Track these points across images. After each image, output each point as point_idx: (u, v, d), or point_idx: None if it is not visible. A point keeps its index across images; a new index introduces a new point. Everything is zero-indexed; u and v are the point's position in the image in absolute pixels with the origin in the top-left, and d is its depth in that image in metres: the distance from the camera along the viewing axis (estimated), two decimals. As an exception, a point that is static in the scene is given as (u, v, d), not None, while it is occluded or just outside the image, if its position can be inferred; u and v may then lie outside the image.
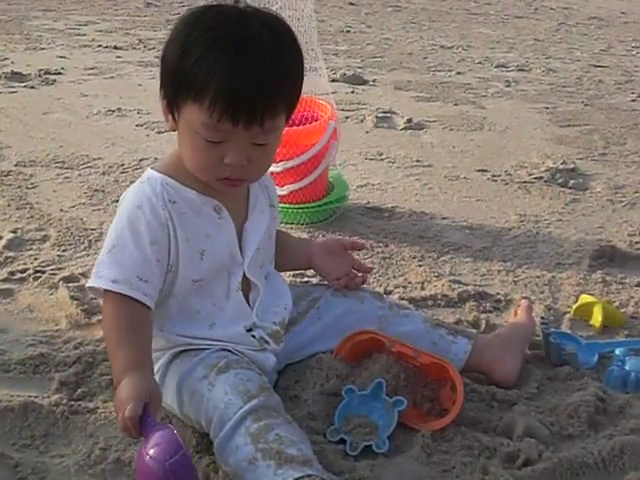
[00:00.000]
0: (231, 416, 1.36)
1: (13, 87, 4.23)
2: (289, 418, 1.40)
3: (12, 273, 2.16)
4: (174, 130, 1.51)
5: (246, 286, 1.60)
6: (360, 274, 1.79)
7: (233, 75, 1.35)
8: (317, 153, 2.48)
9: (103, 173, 2.99)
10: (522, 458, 1.44)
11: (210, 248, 1.52)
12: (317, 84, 2.69)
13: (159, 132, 3.50)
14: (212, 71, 1.35)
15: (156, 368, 1.55)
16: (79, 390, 1.65)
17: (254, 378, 1.45)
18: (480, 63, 5.88)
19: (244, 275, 1.58)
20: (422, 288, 2.18)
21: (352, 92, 4.57)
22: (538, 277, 2.28)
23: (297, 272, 2.18)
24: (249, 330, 1.57)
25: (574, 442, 1.51)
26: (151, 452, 1.25)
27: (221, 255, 1.54)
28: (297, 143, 2.47)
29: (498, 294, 2.15)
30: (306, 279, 2.14)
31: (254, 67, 1.37)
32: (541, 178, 3.16)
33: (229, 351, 1.53)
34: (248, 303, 1.59)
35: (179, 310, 1.55)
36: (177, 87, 1.41)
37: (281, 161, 2.46)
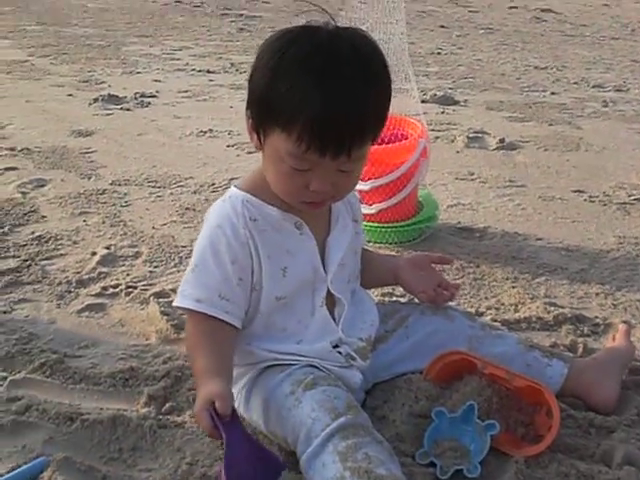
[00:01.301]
0: (318, 433, 1.34)
1: (109, 109, 4.35)
2: (378, 437, 1.36)
3: (105, 288, 2.20)
4: (259, 149, 1.50)
5: (331, 302, 1.58)
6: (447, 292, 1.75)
7: (323, 108, 1.33)
8: (406, 171, 2.45)
9: (194, 192, 3.03)
10: (622, 487, 1.37)
11: (292, 264, 1.51)
12: (408, 105, 2.67)
13: (249, 152, 3.53)
14: (302, 103, 1.33)
15: (242, 383, 1.54)
16: (167, 404, 1.66)
17: (342, 395, 1.42)
18: (576, 83, 5.74)
19: (328, 291, 1.56)
20: (516, 310, 2.11)
21: (442, 112, 4.53)
22: (639, 300, 2.18)
23: (385, 291, 2.16)
24: (335, 346, 1.55)
25: (678, 473, 1.43)
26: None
27: (303, 271, 1.53)
28: (386, 161, 2.44)
29: (596, 317, 2.07)
30: (394, 298, 2.10)
31: (344, 100, 1.34)
32: (641, 199, 3.04)
33: (316, 367, 1.50)
34: (333, 319, 1.57)
35: (265, 328, 1.54)
36: (265, 114, 1.40)
37: (370, 179, 2.44)
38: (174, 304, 1.53)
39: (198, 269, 1.48)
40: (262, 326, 1.54)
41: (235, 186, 1.56)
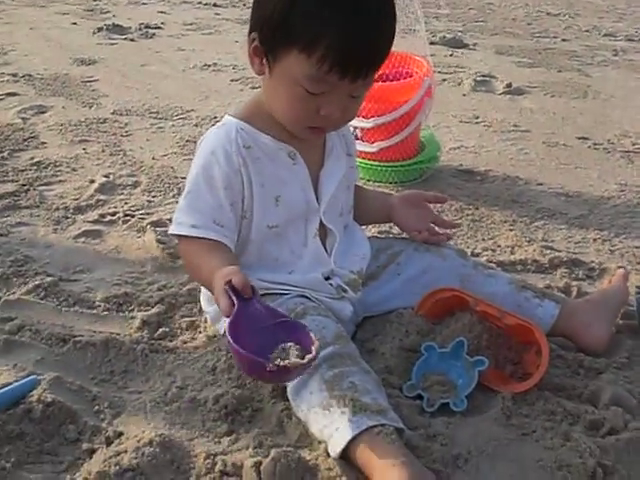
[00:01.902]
0: (306, 362, 1.34)
1: (113, 39, 4.30)
2: (365, 367, 1.37)
3: (102, 215, 2.20)
4: (261, 74, 1.48)
5: (323, 233, 1.58)
6: (442, 231, 1.74)
7: (349, 30, 1.33)
8: (410, 110, 2.42)
9: (196, 125, 3.01)
10: (607, 426, 1.38)
11: (285, 194, 1.51)
12: (415, 45, 2.62)
13: (253, 87, 3.49)
14: (327, 24, 1.33)
15: (234, 311, 1.54)
16: (160, 330, 1.67)
17: (330, 325, 1.42)
18: (587, 31, 5.65)
19: (321, 222, 1.56)
20: (512, 252, 2.11)
21: (451, 55, 4.47)
22: (637, 247, 2.17)
23: (382, 229, 2.15)
24: (327, 278, 1.55)
25: (664, 414, 1.44)
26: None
27: (296, 201, 1.53)
28: (389, 99, 2.41)
29: (592, 262, 2.07)
30: (391, 236, 2.09)
31: (369, 24, 1.34)
32: (646, 148, 3.02)
33: (307, 298, 1.51)
34: (325, 250, 1.57)
35: (258, 258, 1.54)
36: (281, 36, 1.38)
37: (372, 117, 2.42)
38: (169, 232, 1.54)
39: (191, 196, 1.48)
40: (255, 256, 1.54)
41: (229, 114, 1.55)
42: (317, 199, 1.56)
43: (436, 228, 1.75)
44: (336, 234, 1.59)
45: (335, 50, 1.33)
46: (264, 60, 1.44)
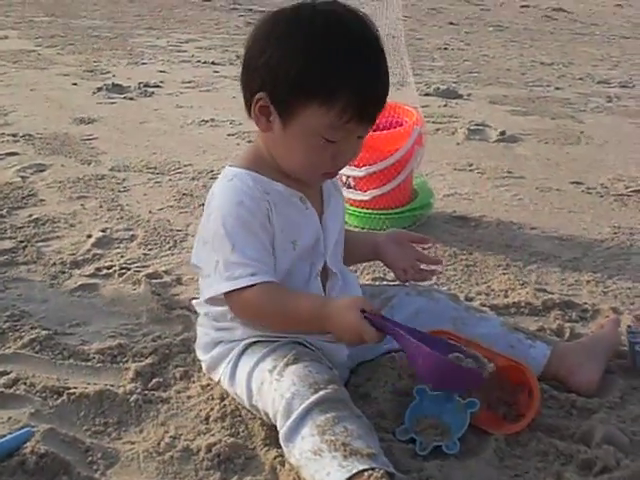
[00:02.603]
0: (298, 407, 1.35)
1: (113, 98, 4.37)
2: (357, 412, 1.38)
3: (99, 269, 2.22)
4: (267, 132, 1.51)
5: (324, 275, 1.60)
6: (427, 267, 1.76)
7: (365, 81, 1.43)
8: (401, 158, 2.46)
9: (192, 178, 3.04)
10: (599, 465, 1.38)
11: (300, 238, 1.54)
12: (406, 97, 2.67)
13: (249, 141, 3.53)
14: (347, 77, 1.41)
15: (228, 358, 1.56)
16: (154, 380, 1.68)
17: (323, 371, 1.43)
18: (581, 79, 5.74)
19: (324, 265, 1.59)
20: (505, 295, 2.12)
21: (445, 105, 4.53)
22: (629, 288, 2.19)
23: (377, 276, 2.17)
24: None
25: (657, 453, 1.44)
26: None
27: (309, 245, 1.56)
28: (381, 148, 2.45)
29: (585, 304, 2.08)
30: (385, 283, 2.11)
31: (378, 73, 1.46)
32: (639, 191, 3.04)
33: (301, 344, 1.52)
34: (325, 291, 1.59)
35: None
36: (299, 93, 1.43)
37: (364, 166, 2.45)
38: (224, 290, 1.49)
39: (237, 248, 1.46)
40: None
41: (230, 166, 1.57)
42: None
43: (421, 266, 1.76)
44: (339, 276, 1.62)
45: (355, 101, 1.42)
46: (271, 117, 1.48)
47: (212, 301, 1.57)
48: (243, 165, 1.55)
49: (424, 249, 2.02)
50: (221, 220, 1.49)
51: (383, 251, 1.76)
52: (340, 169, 1.57)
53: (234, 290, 1.46)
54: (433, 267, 1.81)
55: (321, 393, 1.36)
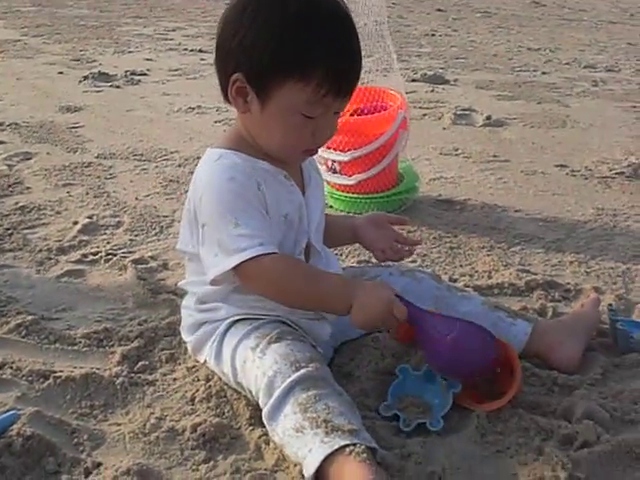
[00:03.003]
0: (280, 385, 1.37)
1: (99, 87, 4.37)
2: (339, 389, 1.39)
3: (85, 255, 2.23)
4: (245, 112, 1.51)
5: (307, 253, 1.61)
6: (407, 247, 1.78)
7: (340, 54, 1.45)
8: (385, 142, 2.46)
9: (179, 165, 3.05)
10: (579, 440, 1.39)
11: (290, 212, 1.55)
12: (392, 82, 2.68)
13: (236, 127, 3.54)
14: (321, 52, 1.43)
15: (213, 337, 1.57)
16: (140, 363, 1.69)
17: (305, 349, 1.44)
18: (567, 64, 5.75)
19: (307, 242, 1.60)
20: (489, 277, 2.14)
21: (432, 91, 4.54)
22: (612, 268, 2.20)
23: (362, 259, 2.19)
24: None
25: (636, 427, 1.46)
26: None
27: (296, 219, 1.57)
28: (365, 132, 2.46)
29: (568, 284, 2.09)
30: (371, 265, 2.12)
31: (355, 46, 1.48)
32: (623, 173, 3.06)
33: (284, 323, 1.53)
34: None
35: None
36: (275, 72, 1.44)
37: (349, 150, 2.46)
38: (234, 264, 1.45)
39: (241, 221, 1.45)
40: None
41: (214, 147, 1.57)
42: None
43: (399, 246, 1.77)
44: (322, 254, 1.63)
45: (331, 75, 1.43)
46: (249, 98, 1.48)
47: (197, 282, 1.58)
48: (226, 146, 1.55)
49: (403, 230, 2.04)
50: (216, 198, 1.48)
51: (362, 233, 1.77)
52: (320, 146, 1.58)
53: (244, 262, 1.44)
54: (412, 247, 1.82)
55: (303, 371, 1.37)
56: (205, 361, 1.61)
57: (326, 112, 1.48)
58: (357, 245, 2.27)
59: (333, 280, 1.49)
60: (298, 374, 1.36)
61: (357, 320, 1.43)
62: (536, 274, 2.14)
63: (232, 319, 1.55)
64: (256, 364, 1.43)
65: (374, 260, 2.10)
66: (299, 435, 1.30)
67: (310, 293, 1.48)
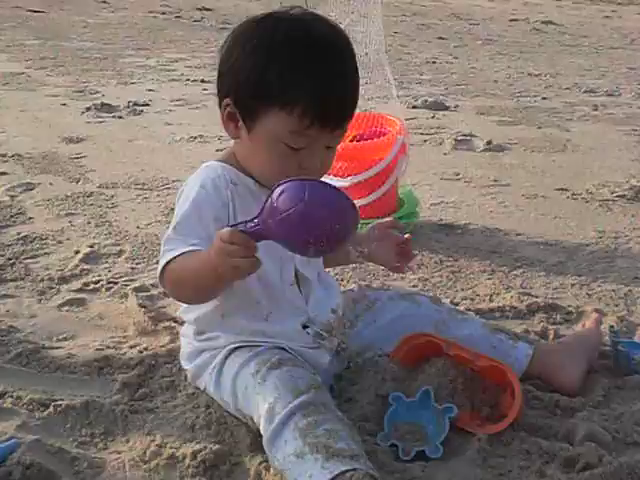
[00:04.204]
0: (280, 411, 1.36)
1: (102, 117, 4.39)
2: (340, 415, 1.39)
3: (86, 284, 2.23)
4: (236, 138, 1.53)
5: (299, 281, 1.59)
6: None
7: (326, 82, 1.41)
8: (385, 168, 2.48)
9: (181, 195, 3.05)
10: (582, 462, 1.39)
11: None
12: (391, 109, 2.70)
13: (238, 156, 3.55)
14: (306, 79, 1.40)
15: (212, 365, 1.57)
16: (140, 391, 1.68)
17: (305, 376, 1.44)
18: (568, 89, 5.77)
19: (296, 270, 1.58)
20: (490, 300, 2.14)
21: (432, 117, 4.56)
22: (614, 290, 2.20)
23: (361, 283, 2.18)
24: (305, 327, 1.57)
25: (638, 449, 1.46)
26: (282, 207, 1.23)
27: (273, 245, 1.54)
28: (365, 158, 2.47)
29: (570, 306, 2.09)
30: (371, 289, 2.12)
31: (344, 76, 1.45)
32: (624, 196, 3.08)
33: (284, 349, 1.53)
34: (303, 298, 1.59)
35: (241, 300, 1.54)
36: (260, 97, 1.43)
37: (349, 176, 2.47)
38: (159, 268, 1.47)
39: (180, 226, 1.47)
40: (238, 297, 1.54)
41: (207, 162, 1.58)
42: None
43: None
44: (311, 280, 1.61)
45: (315, 104, 1.40)
46: (239, 124, 1.49)
47: (190, 308, 1.59)
48: (221, 158, 1.58)
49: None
50: (181, 200, 1.51)
51: (371, 250, 1.69)
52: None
53: (165, 266, 1.44)
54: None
55: (303, 397, 1.37)
56: (204, 388, 1.61)
57: (313, 144, 1.44)
58: (357, 269, 2.29)
59: (202, 257, 1.37)
60: (299, 400, 1.36)
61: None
62: (537, 297, 2.14)
63: (231, 347, 1.55)
64: (256, 390, 1.43)
65: (374, 285, 2.12)
66: (299, 461, 1.29)
67: (198, 280, 1.41)
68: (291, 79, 1.41)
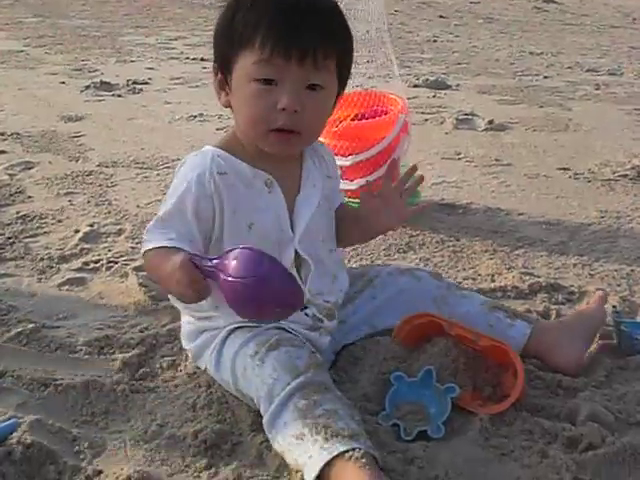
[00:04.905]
0: (279, 392, 1.36)
1: (101, 96, 4.37)
2: (339, 394, 1.38)
3: (86, 263, 2.22)
4: (227, 106, 1.54)
5: (299, 263, 1.58)
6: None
7: (283, 10, 1.42)
8: (387, 146, 2.45)
9: (180, 173, 3.04)
10: (584, 443, 1.38)
11: (258, 221, 1.52)
12: (392, 88, 2.67)
13: (238, 135, 3.53)
14: (262, 12, 1.42)
15: (212, 346, 1.56)
16: (141, 370, 1.68)
17: (303, 355, 1.43)
18: (570, 68, 5.75)
19: (296, 251, 1.56)
20: (492, 280, 2.13)
21: (434, 96, 4.54)
22: (616, 270, 2.19)
23: (363, 263, 2.18)
24: (302, 308, 1.56)
25: (641, 429, 1.45)
26: (233, 272, 1.26)
27: (269, 229, 1.53)
28: (367, 136, 2.45)
29: (572, 286, 2.08)
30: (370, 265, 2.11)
31: (304, 6, 1.43)
32: (626, 176, 3.07)
33: (284, 329, 1.52)
34: (301, 279, 1.57)
35: None
36: (230, 44, 1.45)
37: (350, 155, 2.45)
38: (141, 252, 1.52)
39: (162, 220, 1.48)
40: None
41: (209, 144, 1.58)
42: (292, 227, 1.56)
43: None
44: (310, 264, 1.58)
45: (272, 30, 1.40)
46: (227, 88, 1.50)
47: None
48: (217, 144, 1.57)
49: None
50: (170, 190, 1.52)
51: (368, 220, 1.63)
52: (292, 125, 1.45)
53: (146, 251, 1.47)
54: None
55: (301, 378, 1.36)
56: (205, 368, 1.60)
57: (283, 78, 1.42)
58: (359, 249, 2.28)
59: (166, 266, 1.37)
60: (297, 381, 1.36)
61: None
62: (539, 277, 2.13)
63: (231, 327, 1.54)
64: (255, 372, 1.42)
65: (377, 262, 2.11)
66: (299, 442, 1.29)
67: (161, 283, 1.48)
68: (252, 17, 1.43)
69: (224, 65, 1.49)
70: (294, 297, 1.31)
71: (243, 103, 1.47)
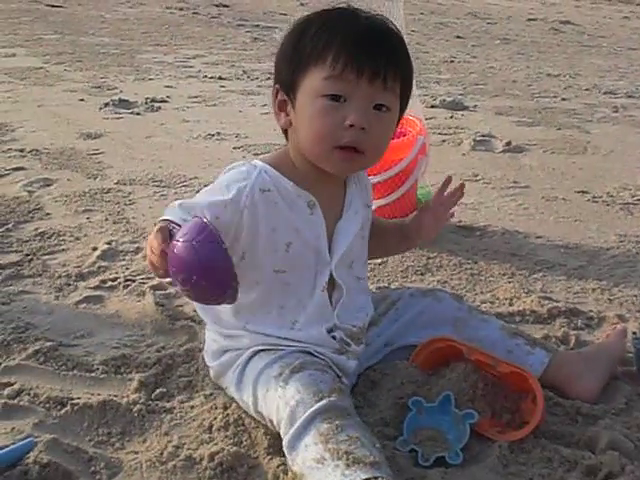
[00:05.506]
0: (302, 414, 1.35)
1: (119, 113, 4.39)
2: (360, 421, 1.38)
3: (103, 281, 2.22)
4: (287, 127, 1.54)
5: (331, 286, 1.58)
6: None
7: (357, 32, 1.44)
8: (405, 168, 2.46)
9: (197, 191, 2.98)
10: (604, 471, 1.37)
11: (296, 241, 1.52)
12: (408, 107, 2.67)
13: (255, 154, 3.55)
14: (334, 32, 1.44)
15: (235, 365, 1.56)
16: (157, 390, 1.67)
17: (327, 380, 1.43)
18: (587, 90, 5.73)
19: (331, 275, 1.56)
20: (510, 304, 2.11)
21: (451, 117, 4.53)
22: (635, 296, 2.18)
23: (380, 285, 2.17)
24: (329, 331, 1.56)
25: (662, 459, 1.43)
26: (180, 238, 1.28)
27: (307, 251, 1.54)
28: (384, 158, 2.41)
29: (591, 311, 2.07)
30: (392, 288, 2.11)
31: (378, 27, 1.47)
32: (645, 200, 3.04)
33: (309, 353, 1.51)
34: (331, 303, 1.58)
35: (262, 303, 1.54)
36: (297, 62, 1.46)
37: (369, 176, 2.43)
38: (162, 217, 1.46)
39: (185, 205, 1.47)
40: (259, 301, 1.54)
41: (258, 158, 1.58)
42: (330, 251, 1.57)
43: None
44: (343, 289, 1.59)
45: (346, 46, 1.42)
46: (289, 108, 1.51)
47: (218, 310, 1.58)
48: (266, 159, 1.57)
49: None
50: (209, 187, 1.54)
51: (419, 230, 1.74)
52: (357, 143, 1.45)
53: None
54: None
55: (325, 402, 1.36)
56: (226, 388, 1.60)
57: (353, 94, 1.43)
58: (377, 271, 2.27)
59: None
60: (320, 404, 1.35)
61: None
62: (558, 301, 2.12)
63: (256, 348, 1.54)
64: (278, 393, 1.41)
65: (392, 285, 2.11)
66: (320, 466, 1.28)
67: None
68: (324, 35, 1.44)
69: (289, 87, 1.49)
70: (222, 274, 1.29)
71: (309, 120, 1.47)
